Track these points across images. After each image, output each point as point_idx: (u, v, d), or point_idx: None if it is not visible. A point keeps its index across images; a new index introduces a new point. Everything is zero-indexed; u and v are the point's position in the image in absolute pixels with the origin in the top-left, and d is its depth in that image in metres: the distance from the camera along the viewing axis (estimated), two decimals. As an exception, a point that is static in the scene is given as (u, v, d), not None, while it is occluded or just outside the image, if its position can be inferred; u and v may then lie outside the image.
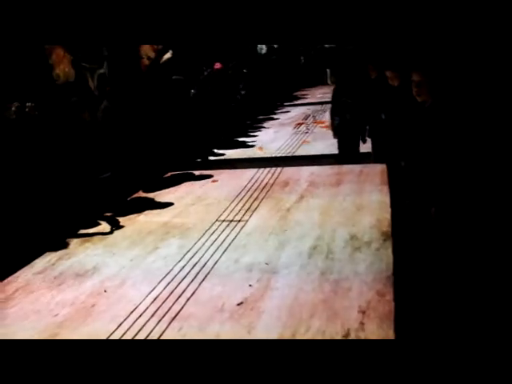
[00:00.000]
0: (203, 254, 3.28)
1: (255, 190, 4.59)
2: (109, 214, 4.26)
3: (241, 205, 4.20)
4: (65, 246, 3.69)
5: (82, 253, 3.55)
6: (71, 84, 4.37)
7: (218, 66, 8.10)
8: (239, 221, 3.83)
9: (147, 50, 8.05)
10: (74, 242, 3.76)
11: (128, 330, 2.45)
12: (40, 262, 3.45)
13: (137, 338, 2.37)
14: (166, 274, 3.03)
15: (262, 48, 14.58)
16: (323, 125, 7.28)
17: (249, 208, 4.10)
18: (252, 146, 6.68)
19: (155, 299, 2.74)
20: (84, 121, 4.34)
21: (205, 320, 2.45)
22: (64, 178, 4.07)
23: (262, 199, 4.29)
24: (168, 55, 6.96)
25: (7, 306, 2.84)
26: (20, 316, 2.71)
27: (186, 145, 6.30)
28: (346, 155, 5.08)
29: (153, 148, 5.54)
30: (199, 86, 6.87)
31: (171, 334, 2.37)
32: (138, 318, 2.55)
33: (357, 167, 4.92)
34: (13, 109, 3.79)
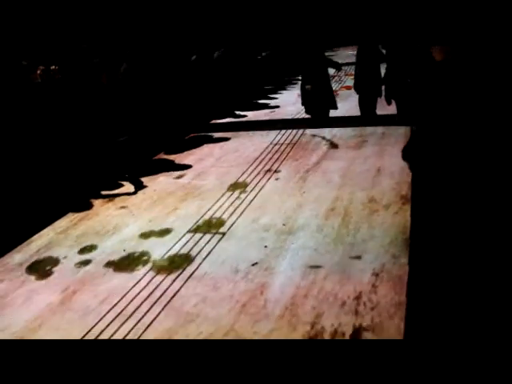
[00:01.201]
0: (221, 215, 3.30)
1: (275, 151, 4.55)
2: (131, 176, 4.32)
3: (260, 167, 4.18)
4: (87, 206, 3.78)
5: (103, 213, 3.63)
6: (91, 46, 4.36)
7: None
8: (258, 182, 3.82)
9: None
10: (96, 203, 3.84)
11: (145, 286, 2.52)
12: (62, 222, 3.54)
13: (153, 294, 2.44)
14: (183, 235, 3.07)
15: None
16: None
17: (268, 170, 4.08)
18: (275, 107, 6.59)
19: (172, 259, 2.79)
20: (102, 83, 4.34)
21: (219, 279, 2.49)
22: (84, 140, 4.12)
23: (282, 161, 4.26)
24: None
25: (31, 263, 2.94)
26: (43, 274, 2.81)
27: (206, 106, 6.26)
28: (366, 116, 4.96)
29: (174, 110, 5.53)
30: (222, 48, 6.76)
31: (186, 292, 2.42)
32: (154, 276, 2.61)
33: (379, 129, 4.80)
34: (38, 72, 3.81)
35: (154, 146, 4.98)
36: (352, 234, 2.80)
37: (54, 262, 2.93)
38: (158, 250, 2.90)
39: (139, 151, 4.67)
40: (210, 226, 3.14)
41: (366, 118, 4.95)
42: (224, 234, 3.02)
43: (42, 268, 2.87)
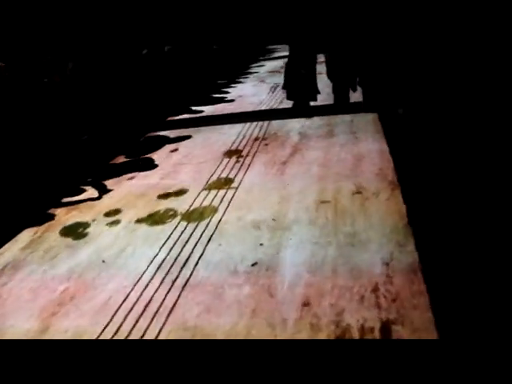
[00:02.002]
0: (203, 215, 3.08)
1: (245, 145, 4.37)
2: (91, 179, 3.98)
3: (232, 161, 3.99)
4: (49, 216, 3.42)
5: (69, 220, 3.30)
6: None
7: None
8: (234, 177, 3.63)
9: None
10: (58, 212, 3.49)
11: (137, 301, 2.26)
12: (24, 236, 3.18)
13: (148, 309, 2.19)
14: (168, 238, 2.83)
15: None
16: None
17: (242, 164, 3.90)
18: (232, 101, 6.39)
19: (160, 266, 2.54)
20: (55, 82, 3.97)
21: (220, 285, 2.29)
22: (39, 143, 3.74)
23: (254, 154, 4.08)
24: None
25: (-4, 285, 2.59)
26: (14, 295, 2.47)
27: (161, 103, 5.97)
28: (339, 104, 4.89)
29: (128, 108, 5.20)
30: (175, 42, 6.47)
31: (185, 303, 2.20)
32: (145, 288, 2.36)
33: (347, 117, 4.74)
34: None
35: (111, 147, 4.64)
36: (349, 223, 2.68)
37: (24, 281, 2.59)
38: (144, 258, 2.64)
39: (100, 152, 4.33)
40: (195, 229, 2.92)
41: (340, 106, 4.87)
42: (211, 234, 2.80)
43: (9, 289, 2.52)
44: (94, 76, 4.62)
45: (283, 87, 4.98)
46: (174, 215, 3.13)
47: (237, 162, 3.96)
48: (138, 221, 3.14)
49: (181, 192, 3.50)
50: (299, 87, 4.75)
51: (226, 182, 3.56)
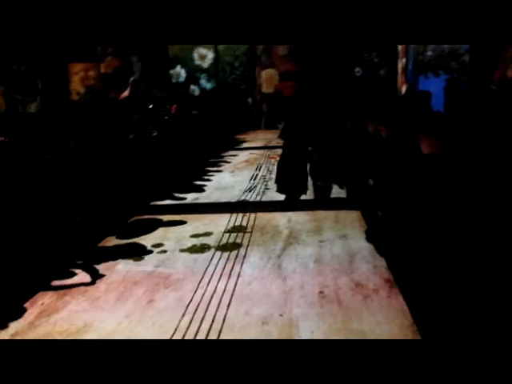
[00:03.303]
0: (207, 307, 3.08)
1: (236, 236, 4.46)
2: (82, 262, 3.91)
3: (227, 252, 4.05)
4: (41, 302, 3.29)
5: (63, 309, 3.19)
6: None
7: (175, 107, 8.05)
8: (232, 269, 3.68)
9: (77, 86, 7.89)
10: (50, 297, 3.37)
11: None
12: (15, 323, 3.02)
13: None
14: (174, 332, 2.79)
15: (195, 90, 14.80)
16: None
17: (237, 255, 3.97)
18: (213, 189, 6.57)
19: (171, 360, 2.49)
20: (56, 160, 4.02)
21: (240, 382, 2.26)
22: (34, 220, 3.70)
23: (247, 247, 4.17)
24: (126, 93, 6.78)
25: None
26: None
27: (145, 187, 6.05)
28: (322, 201, 5.15)
29: (117, 190, 5.25)
30: (160, 128, 6.72)
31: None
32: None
33: (330, 213, 4.98)
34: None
35: (100, 229, 4.61)
36: (357, 321, 2.77)
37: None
38: (154, 351, 2.58)
39: (90, 233, 4.29)
40: (201, 322, 2.90)
41: (322, 203, 5.12)
42: (220, 330, 2.80)
43: None
44: (92, 155, 4.71)
45: (275, 181, 5.21)
46: (178, 309, 3.10)
47: (231, 253, 4.03)
48: (139, 311, 3.08)
49: (179, 283, 3.50)
50: (291, 182, 5.01)
51: (219, 273, 3.60)
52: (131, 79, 8.04)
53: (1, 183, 3.51)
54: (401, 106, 5.60)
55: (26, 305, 3.26)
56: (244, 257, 3.92)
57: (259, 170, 7.85)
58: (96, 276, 3.65)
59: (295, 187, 5.04)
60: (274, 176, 7.17)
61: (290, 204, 5.14)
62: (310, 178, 5.25)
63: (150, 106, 9.42)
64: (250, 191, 6.35)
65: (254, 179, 7.10)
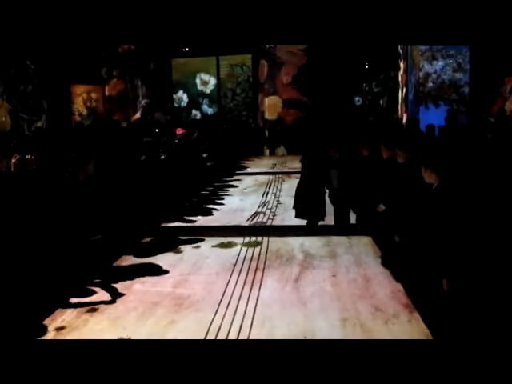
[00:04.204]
0: (229, 329, 3.10)
1: (250, 259, 4.49)
2: (99, 281, 3.92)
3: (243, 275, 4.07)
4: (60, 319, 3.29)
5: (84, 327, 3.19)
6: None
7: (180, 131, 8.15)
8: (250, 292, 3.70)
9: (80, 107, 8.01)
10: (70, 314, 3.37)
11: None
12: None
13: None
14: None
15: (197, 115, 15.00)
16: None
17: (254, 278, 3.99)
18: (224, 213, 6.61)
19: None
20: (78, 179, 4.07)
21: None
22: (55, 238, 3.72)
23: (263, 270, 4.19)
24: (137, 115, 6.87)
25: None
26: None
27: (156, 208, 6.09)
28: (340, 226, 5.18)
29: (130, 210, 5.29)
30: (170, 151, 6.81)
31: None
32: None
33: (343, 239, 5.02)
34: (13, 160, 3.49)
35: (116, 248, 4.64)
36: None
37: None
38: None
39: (106, 252, 4.31)
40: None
41: (341, 228, 5.16)
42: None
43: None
44: (109, 177, 4.77)
45: (293, 206, 5.23)
46: (200, 329, 3.11)
47: (247, 276, 4.05)
48: (160, 331, 3.09)
49: (198, 303, 3.51)
50: (310, 208, 5.05)
51: (238, 295, 3.62)
52: (143, 102, 8.16)
53: (25, 201, 3.55)
54: (412, 135, 5.73)
55: (46, 321, 3.27)
56: (261, 281, 3.94)
57: (266, 196, 7.89)
58: (116, 295, 3.66)
59: (314, 212, 5.08)
60: (282, 199, 7.32)
61: (310, 229, 5.17)
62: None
63: (157, 130, 9.58)
64: (260, 214, 6.41)
65: (263, 205, 7.15)
